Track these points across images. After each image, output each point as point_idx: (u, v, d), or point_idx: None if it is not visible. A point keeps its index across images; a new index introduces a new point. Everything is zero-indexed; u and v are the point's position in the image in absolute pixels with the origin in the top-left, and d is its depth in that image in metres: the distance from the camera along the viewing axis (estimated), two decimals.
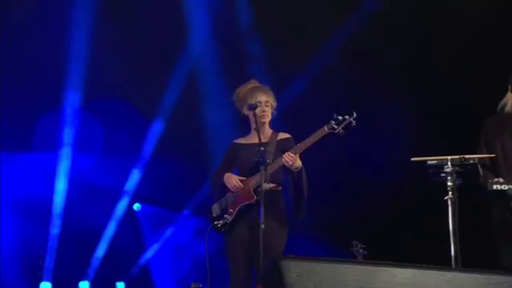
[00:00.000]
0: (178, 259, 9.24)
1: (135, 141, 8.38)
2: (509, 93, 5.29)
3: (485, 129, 5.40)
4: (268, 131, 5.47)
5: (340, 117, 5.25)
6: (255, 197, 5.20)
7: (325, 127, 5.24)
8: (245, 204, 5.28)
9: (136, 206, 9.28)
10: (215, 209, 5.44)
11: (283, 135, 5.50)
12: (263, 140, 5.27)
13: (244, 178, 5.34)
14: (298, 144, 5.26)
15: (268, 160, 5.20)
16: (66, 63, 7.53)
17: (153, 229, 9.38)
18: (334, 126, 5.23)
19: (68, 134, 7.95)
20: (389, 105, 7.48)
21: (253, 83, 5.59)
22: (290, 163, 5.16)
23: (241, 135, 5.66)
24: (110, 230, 8.92)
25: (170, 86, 7.98)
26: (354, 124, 5.25)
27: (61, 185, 8.22)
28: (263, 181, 5.01)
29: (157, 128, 8.29)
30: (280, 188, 5.37)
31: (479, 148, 5.34)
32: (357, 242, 7.20)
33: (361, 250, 7.13)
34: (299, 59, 7.87)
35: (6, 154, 8.00)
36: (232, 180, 5.35)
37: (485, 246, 5.40)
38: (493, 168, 5.24)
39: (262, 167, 5.03)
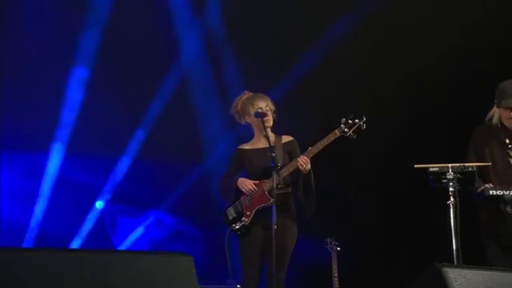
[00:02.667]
0: None
1: (122, 141, 8.54)
2: (495, 107, 5.72)
3: (474, 138, 5.84)
4: (271, 135, 5.71)
5: (350, 121, 5.52)
6: (271, 199, 5.43)
7: (336, 131, 5.51)
8: (261, 206, 5.53)
9: (99, 204, 9.34)
10: (230, 212, 5.67)
11: (286, 138, 5.79)
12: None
13: (257, 182, 5.60)
14: (310, 148, 5.52)
15: (278, 164, 5.49)
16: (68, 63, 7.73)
17: (124, 228, 9.47)
18: (345, 129, 5.51)
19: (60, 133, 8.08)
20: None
21: (247, 94, 5.87)
22: (304, 166, 5.46)
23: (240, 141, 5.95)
24: (86, 227, 9.03)
25: (161, 92, 8.25)
26: (365, 127, 5.52)
27: (47, 182, 8.32)
28: (274, 185, 5.32)
29: (143, 131, 8.50)
30: (290, 190, 5.65)
31: (470, 156, 5.78)
32: (331, 239, 7.63)
33: (335, 247, 7.60)
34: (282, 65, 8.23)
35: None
36: (247, 184, 5.59)
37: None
38: (482, 174, 5.66)
39: (274, 172, 5.34)
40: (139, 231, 9.40)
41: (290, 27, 8.10)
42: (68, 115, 8.08)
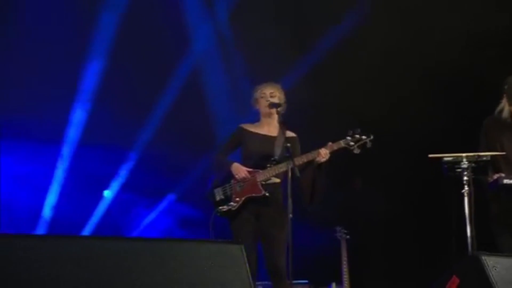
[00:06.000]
0: None
1: (132, 129, 8.65)
2: (504, 101, 5.81)
3: (486, 129, 5.94)
4: (276, 125, 5.70)
5: (357, 135, 5.51)
6: (263, 192, 5.49)
7: (341, 142, 5.51)
8: (252, 196, 5.52)
9: (107, 193, 9.43)
10: (219, 193, 5.62)
11: (289, 133, 5.69)
12: (272, 134, 5.67)
13: (251, 170, 5.59)
14: (330, 143, 5.50)
15: (276, 157, 5.56)
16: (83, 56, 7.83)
17: (134, 216, 9.57)
18: (350, 143, 5.50)
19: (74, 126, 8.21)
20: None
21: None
22: (325, 158, 5.46)
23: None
24: (97, 215, 9.16)
25: (173, 80, 8.35)
26: (370, 146, 5.49)
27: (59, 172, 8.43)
28: (290, 174, 5.27)
29: (156, 117, 8.60)
30: (279, 181, 5.61)
31: (481, 147, 5.87)
32: (340, 228, 7.77)
33: (344, 235, 7.74)
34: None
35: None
36: (242, 172, 5.55)
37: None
38: (493, 165, 5.73)
39: (289, 161, 5.29)
40: (150, 219, 9.54)
41: (303, 15, 8.19)
42: (83, 106, 8.18)
